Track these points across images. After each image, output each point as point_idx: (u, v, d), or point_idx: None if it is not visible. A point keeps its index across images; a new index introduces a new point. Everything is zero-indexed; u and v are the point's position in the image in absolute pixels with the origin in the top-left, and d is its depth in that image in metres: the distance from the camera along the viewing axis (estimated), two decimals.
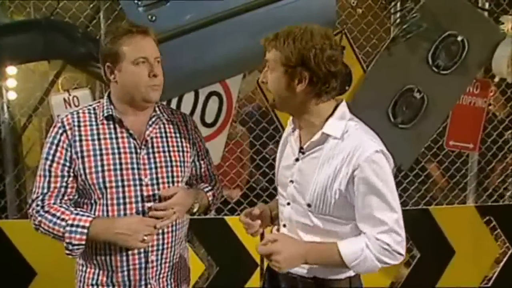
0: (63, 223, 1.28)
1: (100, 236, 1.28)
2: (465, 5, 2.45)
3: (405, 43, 2.40)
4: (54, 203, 1.32)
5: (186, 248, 1.53)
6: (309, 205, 1.29)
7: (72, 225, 1.27)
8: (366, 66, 2.49)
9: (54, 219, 1.30)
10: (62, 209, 1.31)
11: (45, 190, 1.32)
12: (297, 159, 1.34)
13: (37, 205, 1.32)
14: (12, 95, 2.35)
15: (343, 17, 2.42)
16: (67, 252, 1.30)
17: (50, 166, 1.32)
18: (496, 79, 2.65)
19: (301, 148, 1.33)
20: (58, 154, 1.31)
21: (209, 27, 2.11)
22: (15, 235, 2.25)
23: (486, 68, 2.59)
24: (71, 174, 1.32)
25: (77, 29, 2.22)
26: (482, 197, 2.76)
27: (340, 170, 1.24)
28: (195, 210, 1.42)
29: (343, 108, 1.30)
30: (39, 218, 1.31)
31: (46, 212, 1.31)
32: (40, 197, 1.32)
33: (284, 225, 1.39)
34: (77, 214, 1.30)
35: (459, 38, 2.43)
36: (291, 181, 1.35)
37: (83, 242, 1.28)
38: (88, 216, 1.29)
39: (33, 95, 2.37)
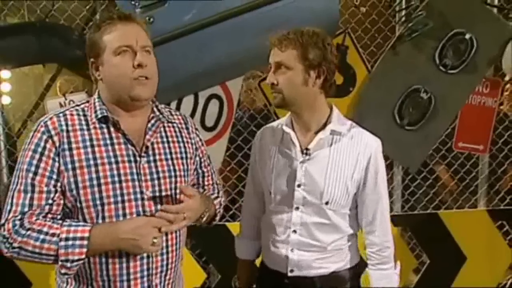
0: (55, 239, 1.07)
1: (106, 246, 1.11)
2: (473, 1, 2.39)
3: (411, 42, 2.35)
4: (36, 220, 1.11)
5: (181, 266, 1.37)
6: (327, 203, 1.36)
7: (67, 239, 1.07)
8: (371, 67, 2.43)
9: (42, 236, 1.07)
10: (49, 223, 1.10)
11: (26, 209, 1.10)
12: (302, 162, 1.37)
13: (14, 225, 1.08)
14: (6, 100, 2.31)
15: (346, 16, 2.37)
16: (63, 271, 1.09)
17: (33, 179, 1.11)
18: (507, 78, 2.57)
19: (306, 149, 1.37)
20: (42, 164, 1.11)
21: (209, 28, 2.06)
22: None
23: (496, 66, 2.52)
24: (58, 189, 1.13)
25: (72, 31, 2.17)
26: (493, 201, 2.68)
27: (357, 161, 1.36)
28: (204, 219, 1.30)
29: (337, 109, 1.43)
30: (20, 239, 1.07)
31: (28, 229, 1.08)
32: (19, 217, 1.09)
33: (295, 231, 1.40)
34: (69, 225, 1.10)
35: (467, 36, 2.37)
36: (299, 185, 1.38)
37: (83, 256, 1.09)
38: (84, 226, 1.11)
39: (28, 99, 2.32)
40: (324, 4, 2.15)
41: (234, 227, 2.35)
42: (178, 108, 2.22)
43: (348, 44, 2.38)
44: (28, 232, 1.09)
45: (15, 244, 1.09)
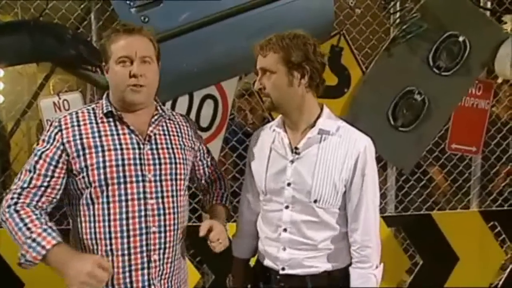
0: (27, 233, 1.21)
1: (55, 267, 1.20)
2: (466, 4, 2.41)
3: (405, 44, 2.37)
4: (29, 204, 1.27)
5: (184, 250, 1.51)
6: (315, 201, 1.37)
7: (34, 240, 1.20)
8: (365, 68, 2.44)
9: (21, 224, 1.23)
10: (34, 216, 1.25)
11: (26, 185, 1.28)
12: (292, 161, 1.40)
13: (12, 199, 1.27)
14: None
15: (341, 18, 2.38)
16: (19, 261, 1.23)
17: (36, 162, 1.29)
18: (499, 80, 2.60)
19: (295, 148, 1.40)
20: (47, 152, 1.29)
21: (204, 28, 2.06)
22: (1, 245, 2.17)
23: (489, 69, 2.54)
24: (55, 175, 1.29)
25: (67, 30, 2.16)
26: (486, 202, 2.70)
27: (345, 160, 1.37)
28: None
29: (327, 109, 1.45)
30: (7, 216, 1.26)
31: (17, 212, 1.25)
32: (18, 191, 1.28)
33: (285, 229, 1.43)
34: (45, 230, 1.22)
35: (461, 39, 2.39)
36: (289, 184, 1.40)
37: (37, 262, 1.21)
38: (53, 238, 1.21)
39: (21, 98, 2.30)
40: (319, 6, 2.15)
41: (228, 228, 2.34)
42: (173, 108, 2.22)
43: (343, 45, 2.39)
44: (15, 215, 1.25)
45: (3, 217, 1.28)
